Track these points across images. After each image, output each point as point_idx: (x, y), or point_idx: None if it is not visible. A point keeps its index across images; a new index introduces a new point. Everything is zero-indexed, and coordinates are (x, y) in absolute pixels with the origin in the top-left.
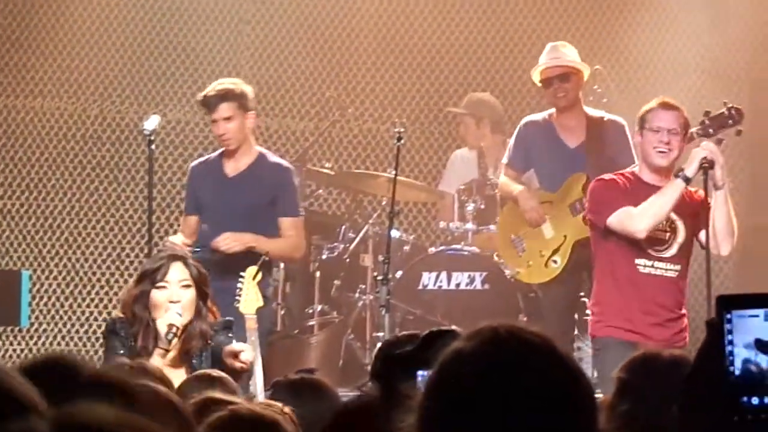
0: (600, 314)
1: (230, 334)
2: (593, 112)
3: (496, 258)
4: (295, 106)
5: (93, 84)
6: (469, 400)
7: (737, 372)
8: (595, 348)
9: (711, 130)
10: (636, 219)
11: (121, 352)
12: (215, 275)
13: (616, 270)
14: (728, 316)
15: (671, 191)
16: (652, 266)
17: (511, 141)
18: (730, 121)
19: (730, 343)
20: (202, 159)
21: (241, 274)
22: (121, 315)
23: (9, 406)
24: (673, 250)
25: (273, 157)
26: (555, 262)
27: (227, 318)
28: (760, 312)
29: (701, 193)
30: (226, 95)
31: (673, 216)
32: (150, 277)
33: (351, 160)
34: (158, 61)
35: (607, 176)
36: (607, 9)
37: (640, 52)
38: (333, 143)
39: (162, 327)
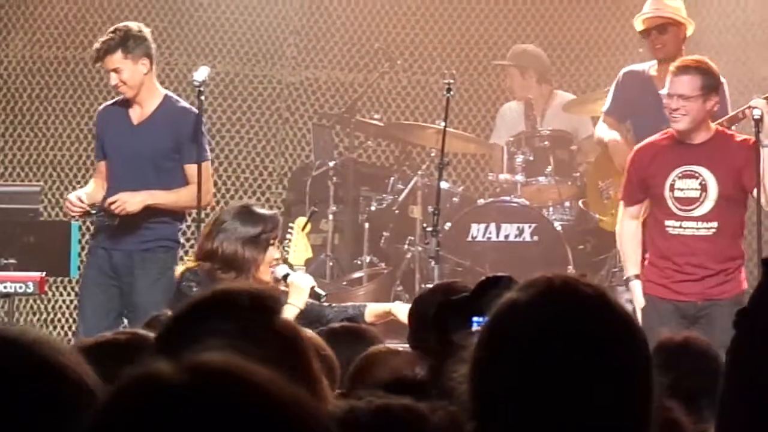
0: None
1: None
2: None
3: (581, 205)
4: (344, 57)
5: None
6: (524, 350)
7: None
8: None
9: None
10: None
11: None
12: (119, 241)
13: (652, 232)
14: None
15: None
16: (680, 227)
17: (611, 90)
18: None
19: None
20: (109, 102)
21: (290, 225)
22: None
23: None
24: (705, 209)
25: (179, 102)
26: None
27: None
28: None
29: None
30: (108, 48)
31: (704, 173)
32: (269, 236)
33: (400, 111)
34: (207, 12)
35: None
36: None
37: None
38: (382, 95)
39: (306, 288)
